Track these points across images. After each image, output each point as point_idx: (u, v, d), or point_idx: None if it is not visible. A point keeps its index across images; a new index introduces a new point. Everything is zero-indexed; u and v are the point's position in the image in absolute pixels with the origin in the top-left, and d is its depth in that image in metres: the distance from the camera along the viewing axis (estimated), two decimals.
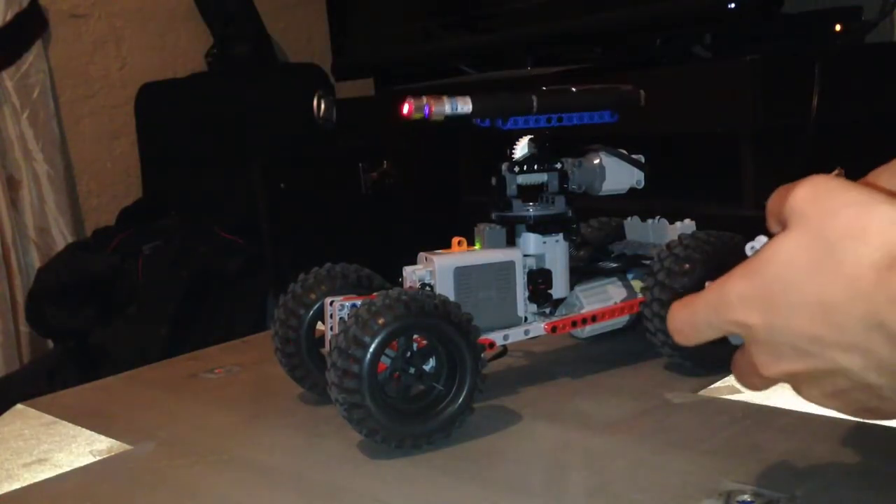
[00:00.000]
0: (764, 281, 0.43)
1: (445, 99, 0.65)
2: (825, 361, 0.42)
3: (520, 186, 0.74)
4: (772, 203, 0.46)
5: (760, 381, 0.46)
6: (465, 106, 0.66)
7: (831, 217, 0.41)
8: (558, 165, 0.74)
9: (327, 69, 2.13)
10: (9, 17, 2.07)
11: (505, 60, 1.72)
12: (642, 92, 0.73)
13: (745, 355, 0.47)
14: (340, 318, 0.68)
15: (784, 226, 0.43)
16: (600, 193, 0.77)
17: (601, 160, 0.77)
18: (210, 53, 2.39)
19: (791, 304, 0.41)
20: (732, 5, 1.22)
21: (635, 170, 0.78)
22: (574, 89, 0.71)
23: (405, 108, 0.65)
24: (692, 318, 0.47)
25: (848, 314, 0.40)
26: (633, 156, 0.78)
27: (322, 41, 2.37)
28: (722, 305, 0.45)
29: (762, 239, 0.46)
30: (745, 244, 0.71)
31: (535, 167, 0.73)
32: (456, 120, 0.66)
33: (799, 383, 0.45)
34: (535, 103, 0.69)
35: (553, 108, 0.70)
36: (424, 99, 0.65)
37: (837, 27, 1.31)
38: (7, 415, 0.80)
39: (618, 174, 0.77)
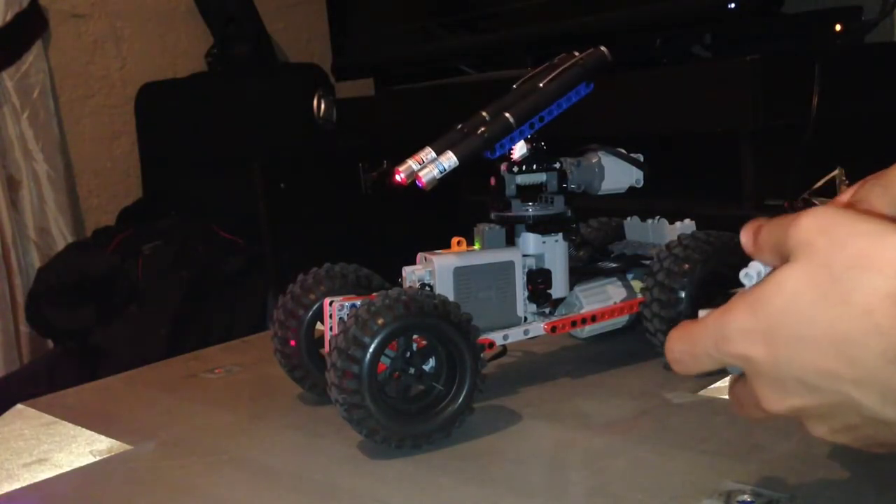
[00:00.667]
0: (768, 313, 0.41)
1: (432, 166, 0.66)
2: (836, 396, 0.40)
3: (519, 186, 0.74)
4: (767, 235, 0.43)
5: (762, 415, 0.44)
6: (450, 161, 0.66)
7: (839, 247, 0.39)
8: (557, 165, 0.74)
9: (327, 69, 2.13)
10: (9, 17, 2.07)
11: (505, 60, 1.72)
12: (604, 49, 0.72)
13: (745, 386, 0.45)
14: (340, 319, 0.68)
15: (785, 259, 0.41)
16: (599, 193, 0.77)
17: (600, 159, 0.77)
18: (210, 53, 2.39)
19: (798, 338, 0.40)
20: (732, 5, 1.22)
21: (634, 169, 0.78)
22: (541, 84, 0.70)
23: (397, 178, 0.67)
24: (692, 350, 0.45)
25: (864, 348, 0.38)
26: (632, 155, 0.78)
27: (322, 41, 2.37)
28: (722, 338, 0.43)
29: (756, 266, 0.44)
30: None
31: (534, 167, 0.73)
32: (450, 174, 0.67)
33: (806, 418, 0.44)
34: (511, 120, 0.69)
35: (530, 113, 0.70)
36: (412, 167, 0.66)
37: (837, 27, 1.31)
38: (7, 415, 0.80)
39: (617, 173, 0.77)
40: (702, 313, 0.46)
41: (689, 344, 0.46)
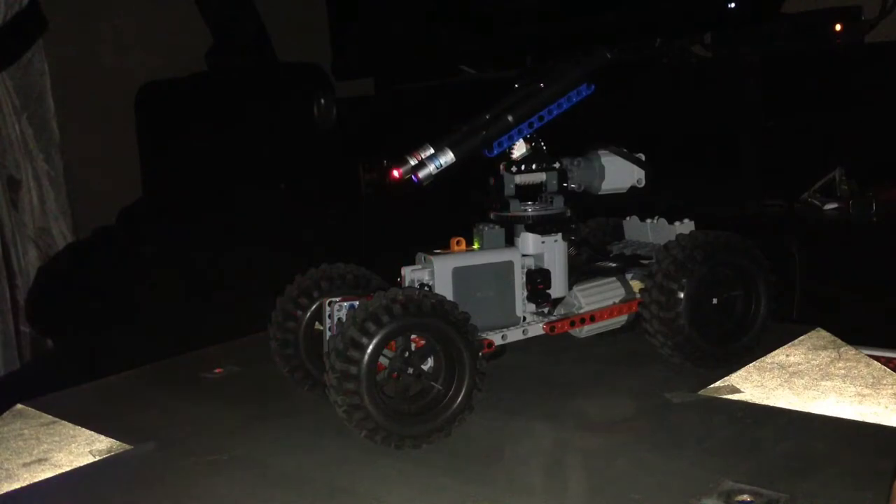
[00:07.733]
0: None
1: (428, 162, 0.67)
2: None
3: (518, 186, 0.74)
4: None
5: None
6: (447, 157, 0.67)
7: None
8: (557, 164, 0.74)
9: (327, 69, 2.13)
10: (9, 17, 2.07)
11: (505, 60, 1.73)
12: (606, 54, 0.73)
13: None
14: (338, 319, 0.68)
15: None
16: (600, 192, 0.77)
17: (601, 159, 0.77)
18: (210, 53, 2.39)
19: None
20: (732, 5, 1.22)
21: (636, 168, 0.77)
22: (542, 84, 0.71)
23: (395, 174, 0.67)
24: None
25: None
26: (634, 154, 0.78)
27: (322, 41, 2.36)
28: None
29: None
30: (744, 244, 0.71)
31: (533, 166, 0.73)
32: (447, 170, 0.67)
33: None
34: (510, 118, 0.69)
35: (529, 113, 0.70)
36: (410, 163, 0.67)
37: (837, 27, 1.31)
38: (7, 415, 0.80)
39: (618, 173, 0.77)
40: None
41: None
